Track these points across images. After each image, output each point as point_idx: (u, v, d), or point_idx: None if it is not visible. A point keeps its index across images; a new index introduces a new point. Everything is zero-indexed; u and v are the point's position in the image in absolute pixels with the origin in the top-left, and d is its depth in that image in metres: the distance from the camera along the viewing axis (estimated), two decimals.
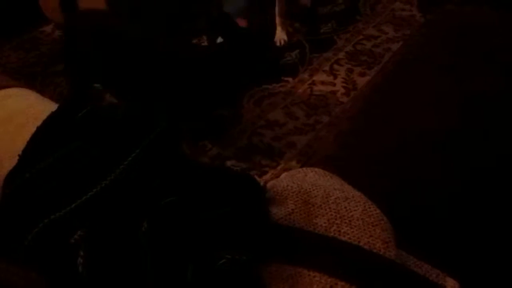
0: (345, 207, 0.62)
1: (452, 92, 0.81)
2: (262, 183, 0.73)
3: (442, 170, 0.76)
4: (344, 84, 1.93)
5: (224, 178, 0.73)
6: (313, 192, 0.65)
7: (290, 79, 1.98)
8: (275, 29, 2.17)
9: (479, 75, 0.83)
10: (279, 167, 1.61)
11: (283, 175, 0.77)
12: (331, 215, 0.61)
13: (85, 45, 1.49)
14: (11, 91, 0.96)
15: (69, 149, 0.79)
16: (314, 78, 1.97)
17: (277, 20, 2.15)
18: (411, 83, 0.87)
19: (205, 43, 2.10)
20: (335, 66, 2.02)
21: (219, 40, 1.68)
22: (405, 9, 2.35)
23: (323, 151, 0.83)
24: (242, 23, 2.07)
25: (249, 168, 1.61)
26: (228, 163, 1.70)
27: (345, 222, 0.60)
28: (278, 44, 2.14)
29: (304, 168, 0.75)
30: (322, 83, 1.94)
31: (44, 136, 0.83)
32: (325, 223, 0.60)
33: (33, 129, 0.83)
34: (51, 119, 0.85)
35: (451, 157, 0.77)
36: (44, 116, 0.87)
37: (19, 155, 0.77)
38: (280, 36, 2.15)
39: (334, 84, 1.93)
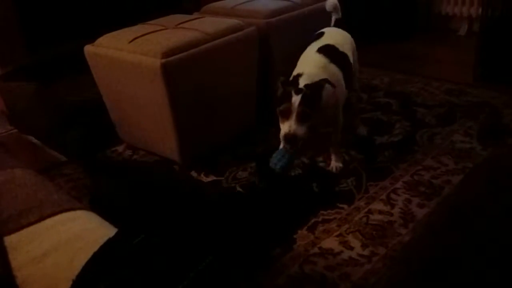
0: None
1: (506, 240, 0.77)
2: None
3: None
4: (401, 215, 1.88)
5: None
6: None
7: (345, 206, 1.96)
8: (330, 157, 2.23)
9: None
10: None
11: None
12: None
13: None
14: (76, 214, 1.02)
15: (119, 278, 0.81)
16: (371, 206, 1.95)
17: (332, 149, 2.21)
18: (468, 229, 0.84)
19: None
20: (392, 196, 1.99)
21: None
22: (464, 141, 2.34)
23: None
24: None
25: None
26: None
27: None
28: (333, 171, 2.17)
29: None
30: (379, 212, 1.91)
31: (99, 262, 0.86)
32: None
33: (90, 254, 0.86)
34: (107, 245, 0.89)
35: None
36: (102, 241, 0.92)
37: (73, 280, 0.80)
38: (335, 163, 2.19)
39: (392, 214, 1.89)
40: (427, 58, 3.53)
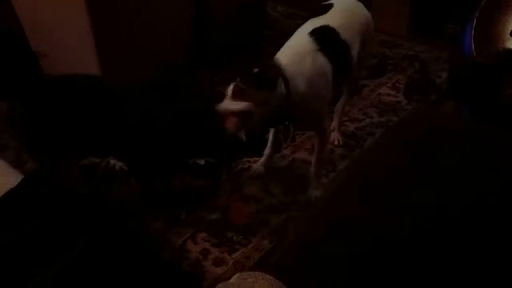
0: None
1: (415, 201, 0.83)
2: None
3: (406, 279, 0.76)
4: (324, 165, 1.94)
5: (174, 276, 0.72)
6: None
7: None
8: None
9: (441, 185, 0.85)
10: (250, 246, 1.59)
11: (235, 277, 0.76)
12: None
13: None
14: None
15: (25, 229, 0.78)
16: (296, 155, 1.99)
17: (312, 167, 1.82)
18: (376, 188, 0.88)
19: None
20: None
21: None
22: (391, 95, 2.41)
23: (282, 252, 0.82)
24: None
25: (219, 243, 1.59)
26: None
27: None
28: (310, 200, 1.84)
29: (257, 273, 0.74)
30: (303, 161, 1.96)
31: (2, 211, 0.82)
32: None
33: None
34: (12, 193, 0.85)
35: (412, 269, 0.77)
36: (7, 188, 0.87)
37: None
38: (312, 191, 1.82)
39: None
40: None
